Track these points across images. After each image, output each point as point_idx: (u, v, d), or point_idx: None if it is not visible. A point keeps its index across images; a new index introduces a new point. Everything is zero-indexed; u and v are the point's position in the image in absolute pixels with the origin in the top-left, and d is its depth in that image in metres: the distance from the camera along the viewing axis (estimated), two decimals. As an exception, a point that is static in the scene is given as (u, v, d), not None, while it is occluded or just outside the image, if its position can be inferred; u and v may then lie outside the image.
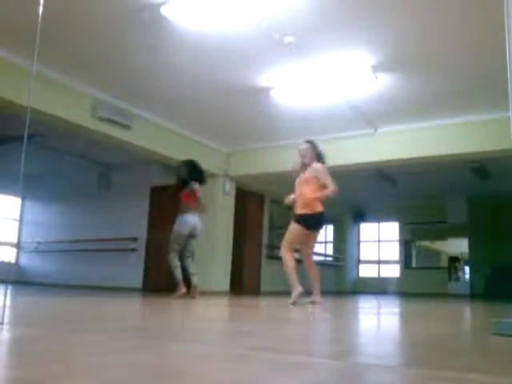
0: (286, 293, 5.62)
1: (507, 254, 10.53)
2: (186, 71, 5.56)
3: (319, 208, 4.90)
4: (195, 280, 5.93)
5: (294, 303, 4.74)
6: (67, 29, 4.71)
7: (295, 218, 4.98)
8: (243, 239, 9.37)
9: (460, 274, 13.94)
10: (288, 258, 4.94)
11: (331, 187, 4.85)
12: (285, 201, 5.18)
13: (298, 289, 4.84)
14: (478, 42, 4.68)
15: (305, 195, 4.96)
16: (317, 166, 5.01)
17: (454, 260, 13.39)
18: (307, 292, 5.12)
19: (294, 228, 4.96)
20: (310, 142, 5.25)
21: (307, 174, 5.06)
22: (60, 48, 5.08)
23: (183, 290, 5.84)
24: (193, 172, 6.09)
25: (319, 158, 5.16)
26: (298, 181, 5.12)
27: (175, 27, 4.54)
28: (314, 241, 5.37)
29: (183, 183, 6.06)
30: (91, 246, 9.51)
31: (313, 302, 5.04)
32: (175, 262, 5.96)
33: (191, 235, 6.04)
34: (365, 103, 6.26)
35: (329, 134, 7.32)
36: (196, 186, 6.00)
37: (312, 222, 4.92)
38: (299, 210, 4.95)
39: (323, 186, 4.92)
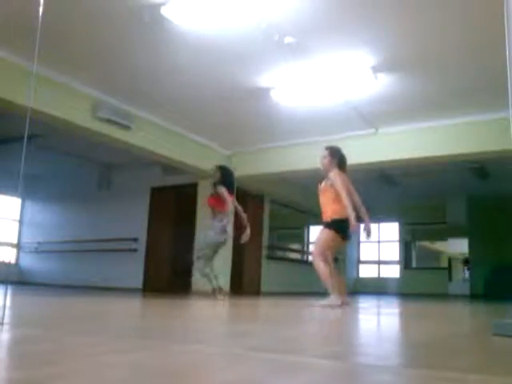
0: (286, 293, 5.62)
1: (507, 255, 10.52)
2: (186, 72, 5.56)
3: (343, 215, 4.61)
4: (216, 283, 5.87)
5: (323, 307, 4.51)
6: (67, 29, 4.71)
7: (326, 224, 4.75)
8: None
9: (461, 274, 13.94)
10: (320, 264, 4.68)
11: (343, 199, 4.58)
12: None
13: (335, 298, 4.55)
14: (478, 42, 4.68)
15: (324, 206, 4.82)
16: (331, 174, 4.79)
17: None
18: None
19: (325, 233, 4.75)
20: (328, 148, 5.02)
21: (323, 183, 4.89)
22: (60, 48, 5.08)
23: (221, 295, 5.67)
24: (224, 176, 5.92)
25: (340, 165, 4.91)
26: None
27: (175, 27, 4.54)
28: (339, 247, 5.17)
29: (213, 185, 5.92)
30: (91, 247, 9.51)
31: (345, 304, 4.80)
32: (207, 269, 5.73)
33: (222, 243, 5.83)
34: (365, 104, 6.26)
35: (329, 134, 7.31)
36: (222, 189, 5.72)
37: (344, 228, 4.65)
38: (329, 217, 4.74)
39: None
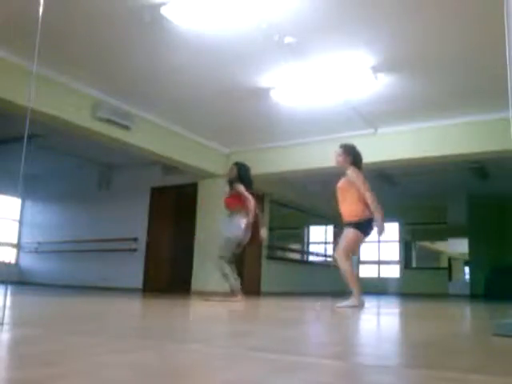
0: (286, 293, 5.61)
1: (507, 255, 10.53)
2: (185, 72, 5.56)
3: (367, 214, 4.61)
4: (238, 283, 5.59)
5: (344, 307, 4.49)
6: (67, 29, 4.71)
7: (353, 224, 4.65)
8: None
9: (461, 274, 13.94)
10: (347, 265, 4.61)
11: (367, 196, 4.56)
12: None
13: (358, 300, 4.53)
14: (478, 42, 4.68)
15: (344, 205, 4.74)
16: (349, 172, 4.74)
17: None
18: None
19: (352, 234, 4.67)
20: (342, 146, 4.96)
21: (341, 182, 4.81)
22: (60, 48, 5.08)
23: (239, 297, 5.41)
24: (241, 173, 5.74)
25: (355, 162, 4.86)
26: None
27: (175, 28, 4.54)
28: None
29: (229, 184, 5.75)
30: (91, 247, 9.51)
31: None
32: (227, 269, 5.47)
33: (243, 241, 5.59)
34: (365, 104, 6.26)
35: (329, 134, 7.32)
36: (241, 187, 5.55)
37: (369, 228, 4.65)
38: (352, 218, 4.66)
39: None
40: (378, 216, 4.53)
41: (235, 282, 5.48)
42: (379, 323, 3.33)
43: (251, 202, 5.48)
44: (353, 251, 4.82)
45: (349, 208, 4.74)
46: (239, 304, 5.00)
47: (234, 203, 5.60)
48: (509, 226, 11.25)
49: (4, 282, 7.27)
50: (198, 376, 1.15)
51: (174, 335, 2.03)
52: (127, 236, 9.25)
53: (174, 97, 6.33)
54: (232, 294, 5.53)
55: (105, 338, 1.78)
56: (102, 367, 1.17)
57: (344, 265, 4.64)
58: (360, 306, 4.65)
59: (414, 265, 13.99)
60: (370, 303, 6.22)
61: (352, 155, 4.89)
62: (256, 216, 5.74)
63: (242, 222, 5.49)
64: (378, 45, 4.85)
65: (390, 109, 6.45)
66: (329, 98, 6.12)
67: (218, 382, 1.08)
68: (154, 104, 6.63)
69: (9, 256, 11.07)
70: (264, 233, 5.83)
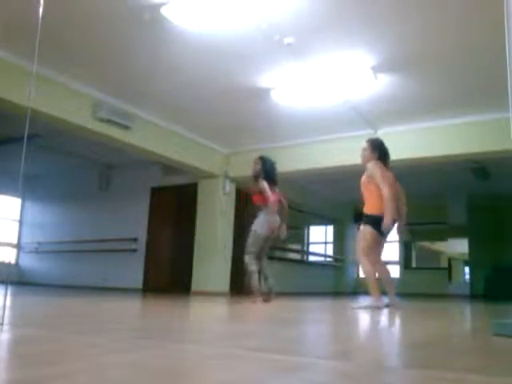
0: (285, 294, 5.59)
1: (507, 255, 10.52)
2: (186, 72, 5.56)
3: (382, 210, 4.43)
4: (271, 283, 5.44)
5: (360, 308, 4.44)
6: (67, 29, 4.71)
7: (366, 219, 4.56)
8: (243, 239, 9.34)
9: (461, 275, 13.94)
10: (364, 263, 4.51)
11: (384, 192, 4.38)
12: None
13: (378, 301, 4.42)
14: (478, 42, 4.68)
15: (365, 200, 4.60)
16: (369, 165, 4.58)
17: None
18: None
19: (362, 233, 4.57)
20: (368, 141, 4.79)
21: (363, 176, 4.65)
22: (60, 48, 5.08)
23: (259, 297, 5.26)
24: (265, 168, 5.55)
25: (381, 158, 4.66)
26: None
27: (175, 27, 4.54)
28: (382, 246, 4.86)
29: (254, 178, 5.57)
30: (91, 247, 9.51)
31: (388, 305, 4.62)
32: (253, 267, 5.33)
33: (270, 237, 5.48)
34: (365, 104, 6.26)
35: (329, 134, 7.32)
36: (264, 184, 5.39)
37: (379, 223, 4.43)
38: (367, 211, 4.56)
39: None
40: (385, 212, 4.37)
41: (256, 282, 5.32)
42: (379, 323, 3.33)
43: (271, 199, 5.35)
44: (372, 249, 4.57)
45: (368, 203, 4.60)
46: (240, 305, 5.00)
47: (260, 200, 5.50)
48: (509, 226, 11.25)
49: (4, 282, 7.27)
50: (198, 376, 1.15)
51: (174, 335, 2.03)
52: (127, 236, 9.25)
53: (174, 97, 6.32)
54: (252, 293, 5.34)
55: (105, 338, 1.78)
56: (102, 367, 1.17)
57: (361, 263, 4.57)
58: (380, 307, 4.48)
59: (413, 265, 13.98)
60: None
61: (378, 151, 4.70)
62: (283, 213, 5.63)
63: (266, 218, 5.38)
64: (378, 45, 4.85)
65: (390, 109, 6.45)
66: (329, 98, 6.12)
67: (217, 382, 1.08)
68: (154, 104, 6.63)
69: (9, 256, 11.06)
70: (283, 233, 5.68)
